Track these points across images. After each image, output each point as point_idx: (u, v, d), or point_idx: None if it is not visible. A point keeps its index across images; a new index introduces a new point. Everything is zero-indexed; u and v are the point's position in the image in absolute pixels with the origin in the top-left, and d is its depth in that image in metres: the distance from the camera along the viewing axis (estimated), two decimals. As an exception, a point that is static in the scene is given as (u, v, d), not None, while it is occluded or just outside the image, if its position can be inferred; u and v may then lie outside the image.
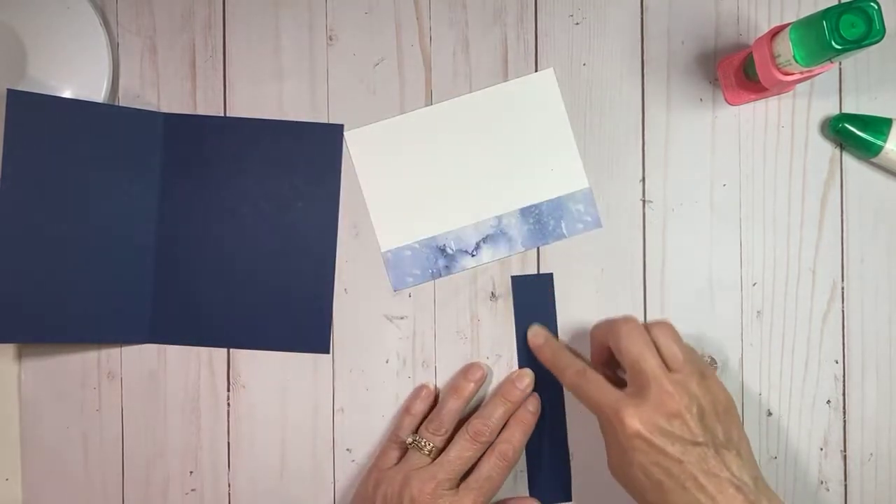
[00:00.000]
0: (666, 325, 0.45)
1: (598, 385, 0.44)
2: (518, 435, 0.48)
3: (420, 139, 0.53)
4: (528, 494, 0.52)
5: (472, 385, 0.50)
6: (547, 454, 0.50)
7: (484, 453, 0.47)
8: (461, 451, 0.46)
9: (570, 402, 0.52)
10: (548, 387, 0.51)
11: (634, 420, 0.40)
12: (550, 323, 0.52)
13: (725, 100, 0.52)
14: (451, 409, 0.48)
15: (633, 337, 0.43)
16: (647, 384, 0.41)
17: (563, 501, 0.52)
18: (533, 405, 0.50)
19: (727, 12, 0.53)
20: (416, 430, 0.49)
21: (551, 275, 0.52)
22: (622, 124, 0.53)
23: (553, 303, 0.52)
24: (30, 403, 0.54)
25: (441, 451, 0.47)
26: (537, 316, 0.52)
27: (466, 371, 0.51)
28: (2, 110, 0.49)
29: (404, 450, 0.49)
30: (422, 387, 0.52)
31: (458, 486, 0.46)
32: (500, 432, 0.48)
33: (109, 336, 0.52)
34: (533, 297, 0.52)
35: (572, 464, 0.52)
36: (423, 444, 0.47)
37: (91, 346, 0.54)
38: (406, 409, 0.51)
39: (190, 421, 0.54)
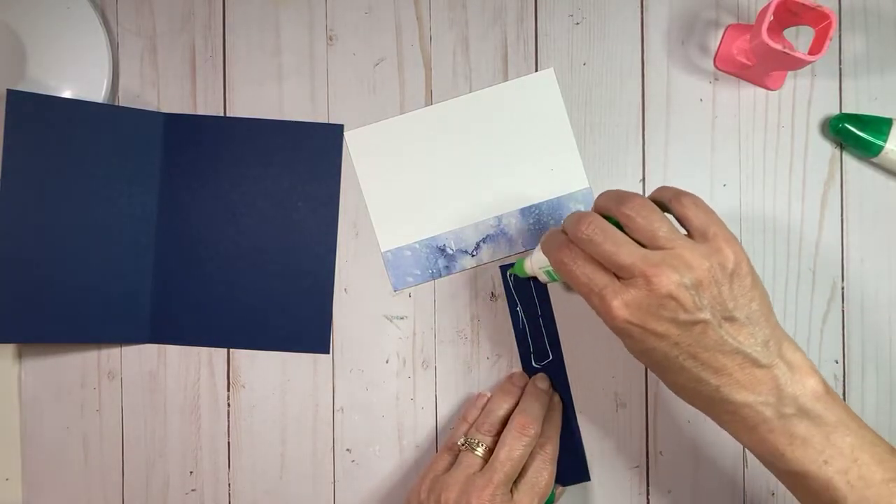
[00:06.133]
0: (638, 199, 0.39)
1: (587, 268, 0.39)
2: (552, 431, 0.49)
3: (420, 139, 0.53)
4: None
5: (517, 389, 0.50)
6: (560, 439, 0.50)
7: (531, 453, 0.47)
8: (511, 449, 0.45)
9: (576, 389, 0.52)
10: (555, 383, 0.52)
11: (622, 309, 0.37)
12: (544, 308, 0.52)
13: (715, 64, 0.52)
14: (499, 409, 0.49)
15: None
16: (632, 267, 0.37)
17: (581, 481, 0.52)
18: (557, 404, 0.51)
19: (727, 12, 0.53)
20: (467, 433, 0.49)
21: None
22: (622, 124, 0.53)
23: (545, 288, 0.52)
24: (30, 403, 0.54)
25: (492, 450, 0.46)
26: (530, 302, 0.52)
27: (511, 377, 0.52)
28: (2, 110, 0.49)
29: (456, 454, 0.48)
30: (479, 395, 0.52)
31: (511, 490, 0.45)
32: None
33: (109, 336, 0.52)
34: (524, 284, 0.52)
35: (585, 446, 0.52)
36: (475, 443, 0.47)
37: (91, 346, 0.54)
38: (462, 417, 0.51)
39: (190, 421, 0.54)
